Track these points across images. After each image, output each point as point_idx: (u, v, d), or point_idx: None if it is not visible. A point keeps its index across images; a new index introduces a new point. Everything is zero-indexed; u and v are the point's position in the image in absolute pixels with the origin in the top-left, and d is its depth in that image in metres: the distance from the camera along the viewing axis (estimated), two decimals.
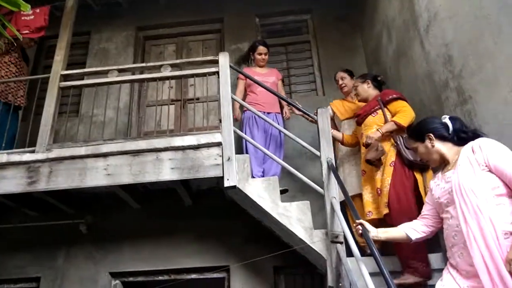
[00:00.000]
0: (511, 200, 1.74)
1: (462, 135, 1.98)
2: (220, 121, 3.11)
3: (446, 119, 2.03)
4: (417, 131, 2.09)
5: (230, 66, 3.34)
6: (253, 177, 3.18)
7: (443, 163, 2.03)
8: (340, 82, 3.81)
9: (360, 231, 2.11)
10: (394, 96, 3.08)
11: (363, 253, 2.96)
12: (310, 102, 4.22)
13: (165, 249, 3.55)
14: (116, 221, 3.69)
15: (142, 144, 3.08)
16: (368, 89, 3.30)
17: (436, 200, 1.98)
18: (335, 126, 3.74)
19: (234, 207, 3.20)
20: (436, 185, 2.01)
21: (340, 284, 2.67)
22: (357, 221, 2.17)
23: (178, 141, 3.04)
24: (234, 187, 2.91)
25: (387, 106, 3.10)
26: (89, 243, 3.61)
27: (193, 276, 3.56)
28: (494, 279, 1.62)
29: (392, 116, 3.02)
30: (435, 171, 2.21)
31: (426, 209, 2.12)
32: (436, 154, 2.01)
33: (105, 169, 3.06)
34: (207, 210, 3.66)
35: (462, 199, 1.78)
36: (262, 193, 2.98)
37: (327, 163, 2.95)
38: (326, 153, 3.00)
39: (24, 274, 3.56)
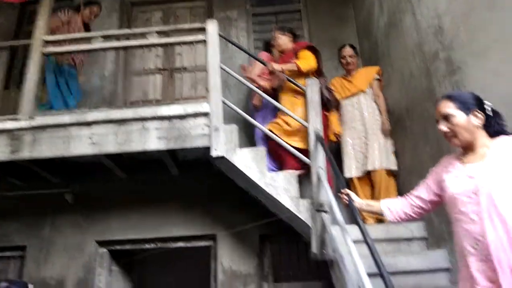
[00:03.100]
0: None
1: (498, 128, 1.65)
2: (207, 90, 3.06)
3: (487, 104, 1.67)
4: (465, 99, 1.66)
5: (219, 35, 3.26)
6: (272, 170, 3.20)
7: (465, 149, 1.69)
8: (348, 59, 3.65)
9: (346, 201, 2.13)
10: (306, 45, 3.53)
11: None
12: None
13: (152, 218, 3.57)
14: (102, 190, 3.67)
15: (128, 113, 3.03)
16: (287, 42, 3.57)
17: (453, 195, 1.64)
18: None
19: (221, 177, 3.21)
20: (454, 177, 1.66)
21: (324, 251, 2.74)
22: (342, 190, 2.18)
23: (165, 110, 3.00)
24: (222, 157, 2.91)
25: (297, 55, 3.43)
26: (75, 212, 3.61)
27: (180, 244, 3.60)
28: None
29: None
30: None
31: (418, 195, 1.88)
32: (471, 134, 1.62)
33: (89, 137, 3.02)
34: (194, 180, 3.66)
35: (492, 204, 1.49)
36: (250, 163, 2.98)
37: (315, 134, 2.96)
38: (314, 123, 3.01)
39: (10, 243, 3.56)
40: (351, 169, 3.43)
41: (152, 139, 2.94)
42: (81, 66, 3.87)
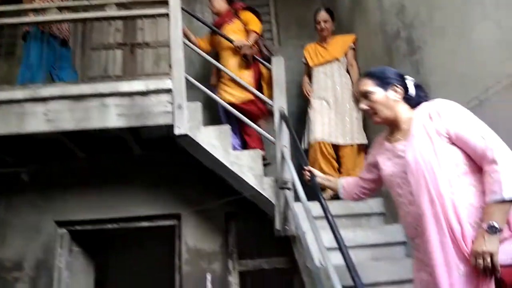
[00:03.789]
0: (476, 178, 1.40)
1: (418, 100, 1.62)
2: (170, 66, 2.97)
3: (408, 79, 1.67)
4: (383, 75, 1.64)
5: (182, 9, 3.15)
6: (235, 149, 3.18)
7: (390, 126, 1.66)
8: (323, 25, 3.52)
9: (308, 177, 2.15)
10: (243, 6, 3.68)
11: None
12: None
13: (114, 197, 3.49)
14: (60, 169, 3.54)
15: (85, 89, 2.90)
16: (222, 4, 3.70)
17: (387, 178, 1.65)
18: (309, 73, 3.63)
19: (185, 156, 3.16)
20: (386, 158, 1.65)
21: (287, 227, 2.79)
22: (305, 167, 2.20)
23: (125, 86, 2.89)
24: (185, 135, 2.86)
25: (238, 15, 3.63)
26: (33, 191, 3.46)
27: (144, 224, 3.56)
28: (453, 274, 1.34)
29: (245, 25, 3.58)
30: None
31: (363, 176, 1.91)
32: (390, 110, 1.60)
33: (45, 114, 2.87)
34: (157, 158, 3.59)
35: (418, 181, 1.45)
36: (214, 141, 2.95)
37: (280, 112, 2.96)
38: (279, 102, 3.00)
39: None
40: (315, 133, 3.32)
41: (111, 117, 2.83)
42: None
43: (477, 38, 1.94)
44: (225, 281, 3.38)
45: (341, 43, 3.51)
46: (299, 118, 3.84)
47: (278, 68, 3.08)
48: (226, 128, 3.04)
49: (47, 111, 2.87)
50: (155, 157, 3.59)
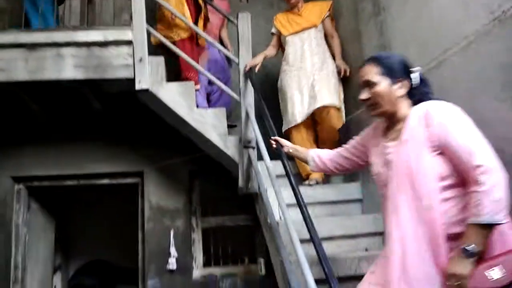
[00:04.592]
0: (461, 191, 1.31)
1: (421, 97, 1.45)
2: (131, 17, 2.83)
3: (415, 71, 1.48)
4: (392, 66, 1.47)
5: None
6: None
7: (387, 121, 1.54)
8: None
9: (274, 146, 2.12)
10: None
11: None
12: (232, 8, 3.98)
13: (73, 153, 3.39)
14: (15, 122, 3.38)
15: (39, 37, 2.72)
16: None
17: (373, 174, 1.58)
18: (279, 45, 3.33)
19: (148, 113, 3.09)
20: (377, 154, 1.55)
21: (249, 186, 2.84)
22: (272, 138, 2.16)
23: (82, 36, 2.73)
24: (147, 90, 2.77)
25: None
26: None
27: (105, 181, 3.51)
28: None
29: None
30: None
31: (342, 152, 1.81)
32: (392, 105, 1.46)
33: None
34: (119, 115, 3.49)
35: (398, 190, 1.38)
36: (177, 98, 2.88)
37: (244, 70, 2.92)
38: (244, 59, 2.96)
39: None
40: (295, 116, 3.08)
41: (68, 68, 2.69)
42: None
43: (438, 2, 1.96)
44: (188, 238, 3.44)
45: (317, 9, 3.23)
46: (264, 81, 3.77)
47: (244, 25, 3.00)
48: (190, 84, 2.97)
49: None
50: (116, 113, 3.49)
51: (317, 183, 2.99)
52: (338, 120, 3.09)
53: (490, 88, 1.65)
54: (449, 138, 1.29)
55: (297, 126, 3.11)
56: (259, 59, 3.04)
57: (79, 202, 5.16)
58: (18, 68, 2.68)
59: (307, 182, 3.01)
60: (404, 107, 1.46)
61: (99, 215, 5.14)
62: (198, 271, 3.46)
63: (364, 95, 1.49)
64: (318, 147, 2.98)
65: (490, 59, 1.66)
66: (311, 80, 3.07)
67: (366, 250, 2.46)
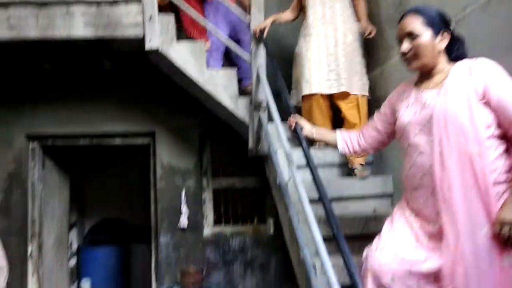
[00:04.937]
0: (505, 143, 1.36)
1: (459, 53, 1.47)
2: None
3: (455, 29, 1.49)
4: (436, 17, 1.45)
5: None
6: None
7: (422, 74, 1.52)
8: None
9: (293, 126, 1.98)
10: None
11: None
12: None
13: (85, 113, 3.42)
14: (28, 81, 3.41)
15: None
16: None
17: (403, 126, 1.52)
18: (300, 9, 3.00)
19: (159, 73, 3.08)
20: (407, 105, 1.53)
21: (259, 147, 2.85)
22: (292, 117, 2.02)
23: None
24: (157, 50, 2.75)
25: None
26: (1, 104, 3.35)
27: (117, 141, 3.56)
28: (463, 243, 1.31)
29: None
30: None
31: (374, 126, 1.74)
32: (433, 57, 1.44)
33: (6, 20, 2.68)
34: (130, 75, 3.50)
35: (445, 135, 1.36)
36: (188, 58, 2.86)
37: (255, 32, 2.86)
38: (256, 20, 2.88)
39: None
40: (312, 84, 2.77)
41: (78, 26, 2.67)
42: None
43: None
44: (199, 197, 3.52)
45: None
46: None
47: None
48: (201, 43, 2.93)
49: (8, 17, 2.68)
50: (127, 73, 3.49)
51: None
52: (360, 111, 2.77)
53: (509, 46, 1.60)
54: (501, 91, 1.32)
55: (313, 98, 2.76)
56: (268, 22, 2.81)
57: (93, 161, 5.27)
58: (29, 25, 2.67)
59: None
60: (443, 61, 1.46)
61: (113, 174, 5.26)
62: (208, 229, 3.57)
63: (405, 47, 1.46)
64: None
65: (509, 17, 1.59)
66: (335, 53, 2.77)
67: (374, 211, 2.49)
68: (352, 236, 2.06)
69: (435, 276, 1.38)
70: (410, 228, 1.51)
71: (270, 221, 3.48)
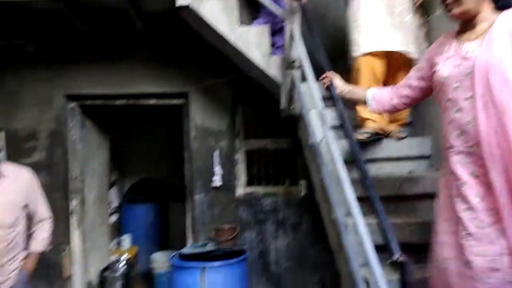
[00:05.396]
0: None
1: (505, 3, 1.37)
2: None
3: None
4: None
5: None
6: None
7: (464, 24, 1.42)
8: None
9: (327, 84, 1.93)
10: None
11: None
12: None
13: (121, 73, 3.47)
14: (65, 43, 3.47)
15: None
16: None
17: (441, 80, 1.43)
18: None
19: (192, 33, 3.04)
20: (446, 58, 1.44)
21: (292, 107, 2.79)
22: (327, 72, 1.94)
23: None
24: (187, 6, 2.69)
25: None
26: (40, 64, 3.45)
27: (152, 102, 3.60)
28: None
29: None
30: None
31: (409, 83, 1.66)
32: (477, 5, 1.35)
33: None
34: (162, 35, 3.48)
35: (487, 89, 1.28)
36: (219, 14, 2.78)
37: None
38: None
39: None
40: (367, 42, 2.52)
41: None
42: None
43: None
44: (231, 158, 3.54)
45: None
46: None
47: None
48: (233, 0, 2.83)
49: None
50: (160, 34, 3.48)
51: (376, 135, 2.44)
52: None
53: None
54: None
55: (364, 60, 2.52)
56: None
57: (131, 123, 5.42)
58: None
59: (357, 135, 2.38)
60: (488, 9, 1.36)
61: (150, 136, 5.40)
62: (241, 189, 3.62)
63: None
64: None
65: None
66: (388, 12, 2.54)
67: (410, 172, 2.41)
68: (386, 197, 2.01)
69: None
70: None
71: (302, 183, 3.47)
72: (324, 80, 1.95)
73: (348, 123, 1.89)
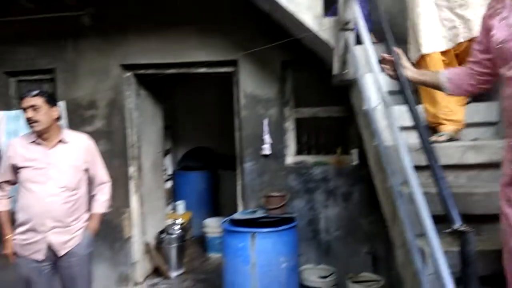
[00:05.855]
0: None
1: None
2: None
3: None
4: None
5: None
6: None
7: None
8: None
9: (391, 73, 1.70)
10: None
11: None
12: None
13: (172, 42, 3.50)
14: (119, 13, 3.55)
15: None
16: None
17: (498, 45, 1.28)
18: None
19: None
20: (499, 20, 1.29)
21: (345, 72, 2.67)
22: (395, 49, 1.71)
23: None
24: None
25: None
26: (96, 35, 3.57)
27: (202, 70, 3.61)
28: None
29: None
30: None
31: (475, 59, 1.48)
32: None
33: None
34: (212, 2, 3.43)
35: None
36: None
37: None
38: None
39: (38, 66, 3.66)
40: (430, 43, 2.31)
41: None
42: None
43: None
44: (281, 127, 3.51)
45: None
46: None
47: None
48: None
49: None
50: (210, 0, 3.44)
51: (451, 139, 2.21)
52: None
53: None
54: None
55: (433, 57, 2.28)
56: None
57: (183, 93, 5.55)
58: None
59: (434, 137, 2.20)
60: None
61: (201, 106, 5.50)
62: (290, 158, 3.59)
63: None
64: None
65: None
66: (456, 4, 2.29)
67: (475, 139, 2.23)
68: (448, 166, 1.89)
69: None
70: None
71: (354, 152, 3.37)
72: (385, 59, 1.72)
73: (407, 86, 1.76)
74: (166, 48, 3.51)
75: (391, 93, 2.15)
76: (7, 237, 2.29)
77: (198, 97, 5.50)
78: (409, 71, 1.67)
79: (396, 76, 1.69)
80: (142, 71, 3.68)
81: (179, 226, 4.15)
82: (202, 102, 5.51)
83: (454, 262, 1.34)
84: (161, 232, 4.08)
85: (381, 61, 1.76)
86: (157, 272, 4.01)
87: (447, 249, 1.50)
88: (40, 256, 2.26)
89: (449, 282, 1.27)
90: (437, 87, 1.61)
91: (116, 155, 3.61)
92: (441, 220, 1.35)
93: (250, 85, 3.49)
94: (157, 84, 4.09)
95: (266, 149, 3.44)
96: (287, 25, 3.13)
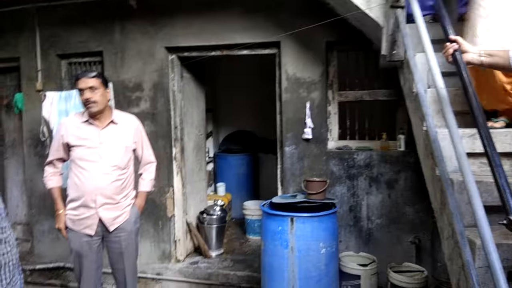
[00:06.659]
0: None
1: None
2: None
3: None
4: None
5: None
6: None
7: None
8: None
9: (452, 50, 1.59)
10: None
11: None
12: None
13: (215, 24, 3.49)
14: None
15: None
16: None
17: None
18: None
19: None
20: None
21: (394, 52, 2.54)
22: (451, 37, 1.60)
23: None
24: None
25: None
26: (142, 18, 3.62)
27: (245, 52, 3.58)
28: None
29: None
30: None
31: None
32: None
33: None
34: None
35: None
36: None
37: None
38: None
39: (87, 48, 3.79)
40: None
41: None
42: None
43: None
44: (324, 110, 3.42)
45: None
46: None
47: None
48: None
49: None
50: None
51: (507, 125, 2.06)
52: None
53: None
54: None
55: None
56: None
57: (224, 75, 5.56)
58: None
59: (490, 123, 2.01)
60: None
61: (243, 89, 5.50)
62: (333, 142, 3.51)
63: None
64: None
65: None
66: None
67: None
68: (504, 153, 1.75)
69: None
70: None
71: (401, 137, 3.23)
72: (449, 47, 1.60)
73: (463, 66, 1.63)
74: (209, 30, 3.50)
75: (444, 74, 2.01)
76: (59, 212, 2.43)
77: (240, 80, 5.49)
78: (471, 54, 1.56)
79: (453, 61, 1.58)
80: (185, 54, 3.71)
81: (219, 207, 4.22)
82: (244, 85, 5.49)
83: (506, 256, 1.25)
84: (202, 212, 4.16)
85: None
86: (197, 251, 4.12)
87: (500, 242, 1.41)
88: (91, 231, 2.38)
89: (501, 277, 1.18)
90: (507, 67, 1.47)
91: (160, 136, 3.70)
92: (494, 211, 1.25)
93: (293, 67, 3.42)
94: (200, 67, 4.12)
95: (308, 133, 3.37)
96: (332, 3, 3.02)
